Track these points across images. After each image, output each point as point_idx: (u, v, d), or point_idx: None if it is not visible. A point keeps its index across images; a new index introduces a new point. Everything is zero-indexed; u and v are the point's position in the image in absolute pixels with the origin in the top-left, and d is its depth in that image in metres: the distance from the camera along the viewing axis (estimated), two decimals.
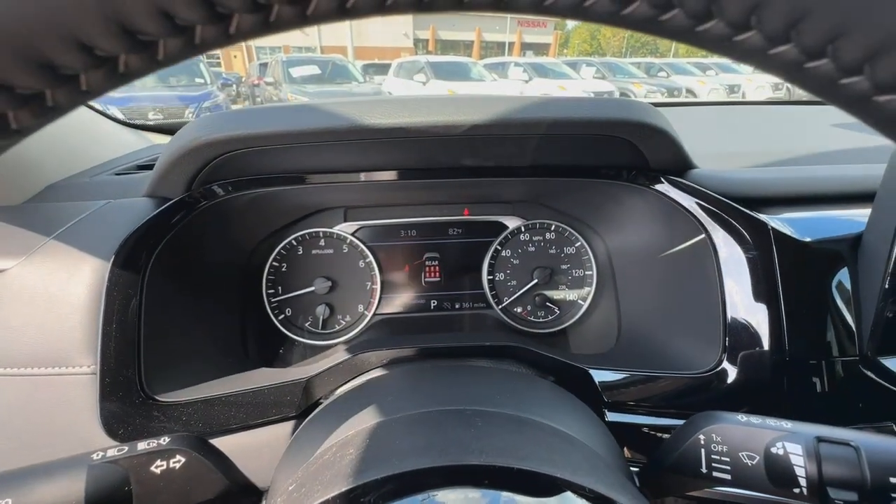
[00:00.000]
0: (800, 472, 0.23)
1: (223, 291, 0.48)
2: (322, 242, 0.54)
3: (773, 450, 0.24)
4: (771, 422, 0.25)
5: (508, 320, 0.55)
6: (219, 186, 0.41)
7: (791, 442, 0.23)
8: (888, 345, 0.34)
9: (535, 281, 0.54)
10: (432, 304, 0.56)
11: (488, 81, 10.96)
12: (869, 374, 0.34)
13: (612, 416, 0.37)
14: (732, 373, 0.36)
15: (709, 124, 0.76)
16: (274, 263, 0.53)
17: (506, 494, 0.18)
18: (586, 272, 0.55)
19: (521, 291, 0.55)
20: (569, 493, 0.19)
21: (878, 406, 0.35)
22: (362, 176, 0.44)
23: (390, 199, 0.54)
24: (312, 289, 0.53)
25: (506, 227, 0.55)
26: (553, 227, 0.55)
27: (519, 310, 0.56)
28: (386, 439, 0.23)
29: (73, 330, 0.33)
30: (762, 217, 0.36)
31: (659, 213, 0.42)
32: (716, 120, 0.79)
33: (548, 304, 0.55)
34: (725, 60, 17.39)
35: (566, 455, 0.22)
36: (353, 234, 0.54)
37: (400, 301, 0.56)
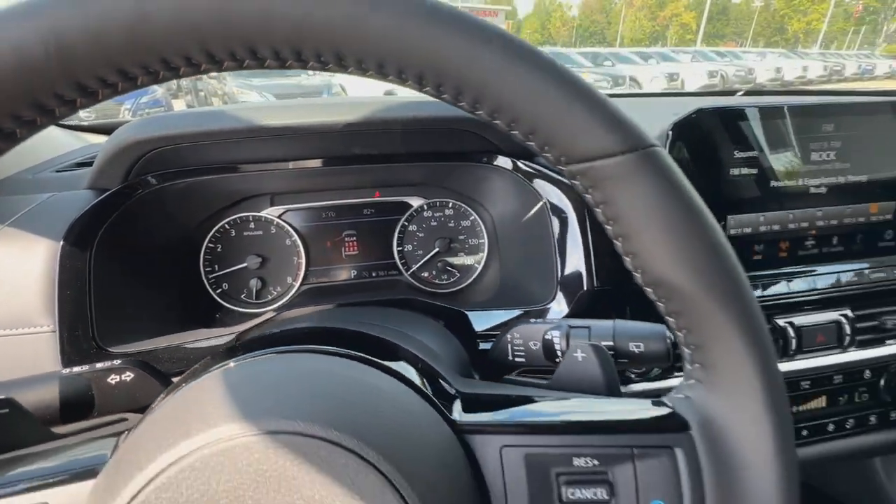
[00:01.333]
0: (558, 348, 0.35)
1: (166, 268, 0.56)
2: (252, 225, 0.63)
3: (546, 337, 0.36)
4: (550, 322, 0.37)
5: (417, 283, 0.66)
6: (153, 177, 0.49)
7: (555, 330, 0.36)
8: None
9: (437, 250, 0.66)
10: (352, 274, 0.66)
11: None
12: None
13: (483, 345, 0.49)
14: (563, 303, 0.49)
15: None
16: (210, 244, 0.61)
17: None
18: (479, 240, 0.67)
19: (426, 259, 0.66)
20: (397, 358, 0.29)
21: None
22: (290, 165, 0.54)
23: (310, 186, 0.64)
24: (245, 265, 0.62)
25: (410, 206, 0.66)
26: (450, 205, 0.67)
27: (426, 274, 0.67)
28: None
29: (33, 297, 0.41)
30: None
31: (515, 187, 0.54)
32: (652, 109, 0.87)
33: (449, 268, 0.67)
34: (665, 50, 18.15)
35: (402, 333, 0.33)
36: (279, 217, 0.63)
37: (323, 272, 0.65)
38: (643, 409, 0.24)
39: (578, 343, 0.30)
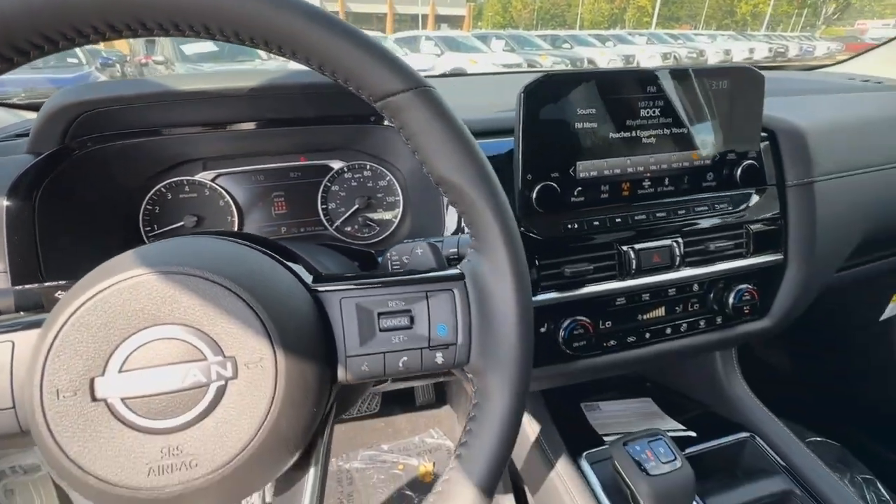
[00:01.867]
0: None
1: (108, 224, 0.63)
2: (187, 188, 0.70)
3: (416, 251, 0.46)
4: (418, 241, 0.47)
5: (341, 237, 0.76)
6: (87, 140, 0.56)
7: (420, 247, 0.46)
8: None
9: (357, 207, 0.75)
10: (283, 230, 0.75)
11: (399, 56, 10.81)
12: None
13: None
14: None
15: None
16: (148, 206, 0.69)
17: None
18: (395, 197, 0.77)
19: (347, 215, 0.75)
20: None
21: None
22: (219, 130, 0.62)
23: (240, 151, 0.71)
24: (182, 223, 0.69)
25: (332, 169, 0.75)
26: (368, 167, 0.76)
27: (348, 229, 0.77)
28: None
29: None
30: None
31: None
32: None
33: (369, 223, 0.77)
34: (622, 32, 18.53)
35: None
36: (211, 181, 0.71)
37: (256, 230, 0.74)
38: (440, 271, 0.34)
39: (420, 244, 0.41)
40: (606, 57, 13.56)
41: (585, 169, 0.59)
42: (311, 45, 0.28)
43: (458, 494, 0.31)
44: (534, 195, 0.57)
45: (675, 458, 0.55)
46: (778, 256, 0.69)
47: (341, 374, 0.32)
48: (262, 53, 9.35)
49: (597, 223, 0.61)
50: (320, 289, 0.33)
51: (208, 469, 0.26)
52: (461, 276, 0.33)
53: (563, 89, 0.56)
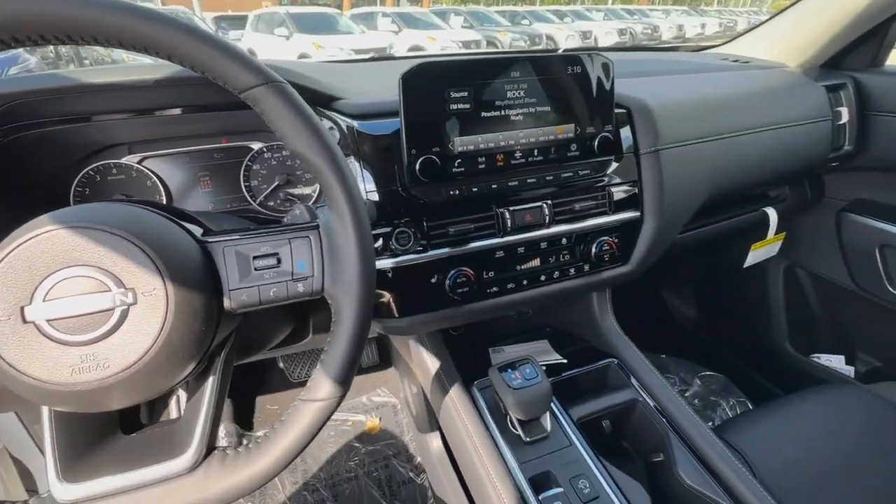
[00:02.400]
0: None
1: (40, 207, 0.69)
2: (114, 171, 0.77)
3: (296, 212, 0.56)
4: (308, 206, 0.58)
5: (265, 210, 0.85)
6: (11, 128, 0.62)
7: (306, 210, 0.56)
8: None
9: (277, 183, 0.84)
10: (210, 206, 0.83)
11: (357, 34, 10.55)
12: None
13: None
14: None
15: None
16: (78, 189, 0.75)
17: None
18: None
19: (268, 191, 0.84)
20: None
21: None
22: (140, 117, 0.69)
23: (163, 134, 0.78)
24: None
25: (252, 149, 0.83)
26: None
27: (272, 203, 0.85)
28: None
29: None
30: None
31: None
32: None
33: (290, 198, 0.86)
34: (580, 8, 18.63)
35: None
36: (138, 163, 0.78)
37: (186, 207, 0.81)
38: (302, 224, 0.45)
39: (300, 206, 0.51)
40: (564, 33, 13.70)
41: (462, 144, 0.70)
42: (183, 53, 0.37)
43: (320, 385, 0.42)
44: (417, 167, 0.67)
45: (537, 376, 0.69)
46: (636, 214, 0.84)
47: (227, 303, 0.42)
48: (210, 32, 8.93)
49: (475, 189, 0.72)
50: (208, 240, 0.43)
51: (118, 369, 0.36)
52: (316, 227, 0.44)
53: (437, 75, 0.66)
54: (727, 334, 1.54)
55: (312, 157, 0.42)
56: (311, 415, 0.42)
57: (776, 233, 1.16)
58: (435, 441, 1.05)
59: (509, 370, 0.71)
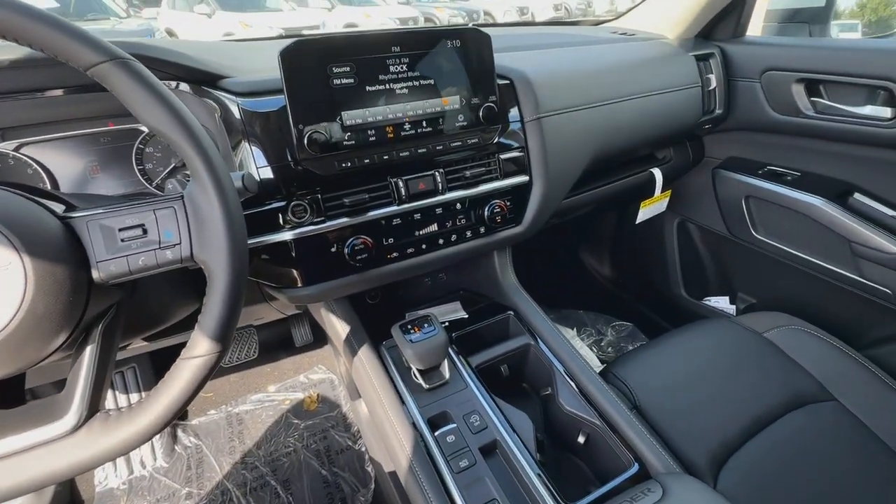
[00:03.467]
0: None
1: None
2: None
3: None
4: None
5: (163, 194, 0.84)
6: None
7: None
8: None
9: (174, 164, 0.84)
10: (105, 193, 0.82)
11: (286, 11, 9.99)
12: None
13: None
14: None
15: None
16: None
17: None
18: None
19: (165, 173, 0.84)
20: None
21: None
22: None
23: (42, 118, 0.76)
24: None
25: (142, 132, 0.82)
26: None
27: (171, 186, 0.85)
28: None
29: None
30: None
31: (201, 105, 0.74)
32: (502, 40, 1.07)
33: (186, 179, 0.86)
34: None
35: None
36: (14, 151, 0.75)
37: (71, 194, 0.80)
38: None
39: (170, 180, 0.53)
40: (502, 8, 13.69)
41: (351, 118, 0.74)
42: (23, 33, 0.38)
43: (198, 343, 0.46)
44: (305, 141, 0.70)
45: (434, 329, 0.76)
46: (525, 178, 0.91)
47: (95, 275, 0.44)
48: (119, 10, 8.12)
49: (367, 161, 0.76)
50: (71, 215, 0.44)
51: None
52: (180, 197, 0.47)
53: (318, 52, 0.69)
54: (634, 286, 1.70)
55: (167, 130, 0.44)
56: (190, 371, 0.45)
57: (662, 191, 1.30)
58: (362, 406, 1.11)
59: (409, 327, 0.77)
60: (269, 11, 9.31)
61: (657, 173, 1.25)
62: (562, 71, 0.95)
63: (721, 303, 1.52)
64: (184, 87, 0.73)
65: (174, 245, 0.46)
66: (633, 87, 1.06)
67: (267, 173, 0.72)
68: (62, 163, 0.78)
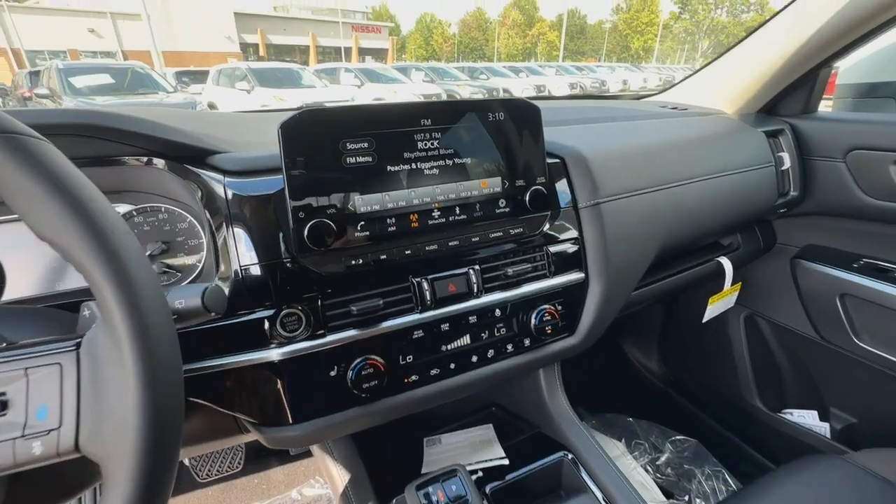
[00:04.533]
0: None
1: None
2: None
3: None
4: None
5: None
6: None
7: None
8: None
9: (150, 252, 0.68)
10: (57, 286, 0.66)
11: (319, 88, 10.74)
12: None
13: None
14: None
15: None
16: None
17: None
18: (199, 240, 0.71)
19: None
20: None
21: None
22: None
23: None
24: None
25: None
26: (163, 209, 0.70)
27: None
28: None
29: None
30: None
31: (180, 185, 0.60)
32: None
33: (168, 269, 0.70)
34: (533, 65, 20.00)
35: None
36: None
37: (27, 287, 0.64)
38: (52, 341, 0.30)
39: (89, 304, 0.36)
40: (520, 86, 14.53)
41: (365, 203, 0.58)
42: None
43: None
44: (305, 233, 0.54)
45: (466, 494, 0.54)
46: (580, 275, 0.73)
47: None
48: (167, 86, 8.83)
49: (384, 256, 0.59)
50: None
51: None
52: (75, 347, 0.29)
53: (328, 125, 0.55)
54: (694, 391, 1.43)
55: (67, 244, 0.28)
56: None
57: (732, 283, 1.09)
58: None
59: (429, 488, 0.55)
60: (303, 88, 10.01)
61: (726, 264, 1.06)
62: (620, 148, 0.80)
63: (808, 418, 1.24)
64: (159, 163, 0.59)
65: (48, 431, 0.27)
66: (702, 166, 0.90)
67: (254, 273, 0.55)
68: (16, 251, 0.64)
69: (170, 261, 0.71)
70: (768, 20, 1.05)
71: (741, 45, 1.11)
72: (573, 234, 0.73)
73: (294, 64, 12.87)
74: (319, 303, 0.57)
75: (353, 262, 0.58)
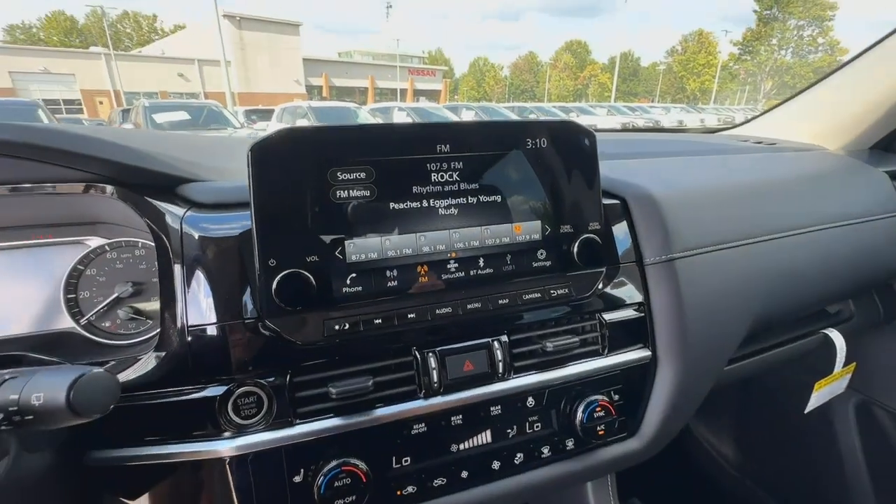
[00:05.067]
0: None
1: None
2: None
3: None
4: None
5: (92, 336, 0.58)
6: None
7: None
8: None
9: (117, 294, 0.58)
10: (12, 327, 0.57)
11: (373, 122, 11.28)
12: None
13: None
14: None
15: None
16: None
17: None
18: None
19: (103, 305, 0.58)
20: None
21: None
22: None
23: None
24: None
25: (88, 247, 0.59)
26: (140, 244, 0.60)
27: (107, 325, 0.59)
28: None
29: None
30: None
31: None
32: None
33: (136, 316, 0.59)
34: (584, 105, 19.97)
35: None
36: None
37: None
38: None
39: None
40: None
41: (358, 250, 0.44)
42: None
43: None
44: (274, 286, 0.41)
45: None
46: (645, 353, 0.54)
47: None
48: (236, 122, 9.55)
49: (379, 321, 0.45)
50: None
51: None
52: None
53: (313, 147, 0.43)
54: (782, 488, 1.13)
55: None
56: None
57: (845, 363, 0.84)
58: None
59: None
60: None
61: (836, 338, 0.82)
62: (700, 187, 0.62)
63: None
64: (108, 190, 0.49)
65: None
66: (808, 213, 0.70)
67: (204, 336, 0.42)
68: None
69: (141, 305, 0.60)
70: (884, 38, 0.86)
71: (844, 70, 0.91)
72: (637, 298, 0.55)
73: (352, 103, 13.63)
74: (288, 380, 0.43)
75: (338, 327, 0.44)
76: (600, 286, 0.53)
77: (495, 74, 58.57)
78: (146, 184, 0.48)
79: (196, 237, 0.43)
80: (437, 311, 0.47)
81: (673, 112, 21.27)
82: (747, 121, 1.16)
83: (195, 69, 23.81)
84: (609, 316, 0.54)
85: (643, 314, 0.55)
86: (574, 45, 55.09)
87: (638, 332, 0.55)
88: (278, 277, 0.41)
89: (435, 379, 0.46)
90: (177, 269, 0.43)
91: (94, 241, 0.59)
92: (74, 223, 0.58)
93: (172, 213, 0.45)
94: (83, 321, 0.58)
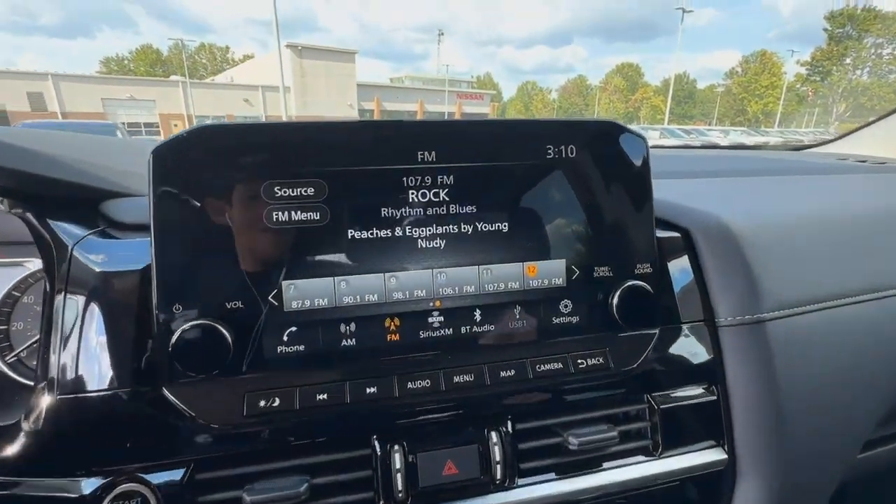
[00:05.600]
0: None
1: None
2: None
3: None
4: None
5: (16, 376, 0.48)
6: None
7: None
8: None
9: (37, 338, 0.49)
10: None
11: None
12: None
13: None
14: None
15: None
16: None
17: None
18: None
19: (34, 341, 0.49)
20: None
21: None
22: None
23: None
24: None
25: (27, 270, 0.50)
26: None
27: (37, 362, 0.49)
28: None
29: None
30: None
31: None
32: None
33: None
34: (636, 127, 19.53)
35: None
36: None
37: None
38: None
39: None
40: None
41: (302, 294, 0.32)
42: None
43: None
44: (174, 341, 0.29)
45: None
46: (718, 455, 0.37)
47: None
48: None
49: (324, 396, 0.32)
50: None
51: None
52: None
53: (241, 153, 0.31)
54: None
55: None
56: None
57: None
58: None
59: None
60: None
61: None
62: (799, 217, 0.45)
63: None
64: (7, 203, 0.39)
65: None
66: None
67: (76, 408, 0.31)
68: None
69: None
70: None
71: None
72: (706, 374, 0.39)
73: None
74: (186, 477, 0.30)
75: (263, 403, 0.31)
76: (651, 355, 0.37)
77: (543, 98, 58.48)
78: (56, 196, 0.38)
79: (87, 269, 0.33)
80: (410, 386, 0.33)
81: (732, 135, 20.15)
82: (839, 136, 0.95)
83: (259, 95, 25.60)
84: (664, 399, 0.37)
85: (715, 397, 0.38)
86: (625, 67, 54.08)
87: (707, 423, 0.38)
88: (180, 330, 0.29)
89: (399, 486, 0.31)
90: (57, 310, 0.32)
91: (35, 263, 0.50)
92: (12, 242, 0.50)
93: (67, 234, 0.35)
94: (10, 358, 0.49)
